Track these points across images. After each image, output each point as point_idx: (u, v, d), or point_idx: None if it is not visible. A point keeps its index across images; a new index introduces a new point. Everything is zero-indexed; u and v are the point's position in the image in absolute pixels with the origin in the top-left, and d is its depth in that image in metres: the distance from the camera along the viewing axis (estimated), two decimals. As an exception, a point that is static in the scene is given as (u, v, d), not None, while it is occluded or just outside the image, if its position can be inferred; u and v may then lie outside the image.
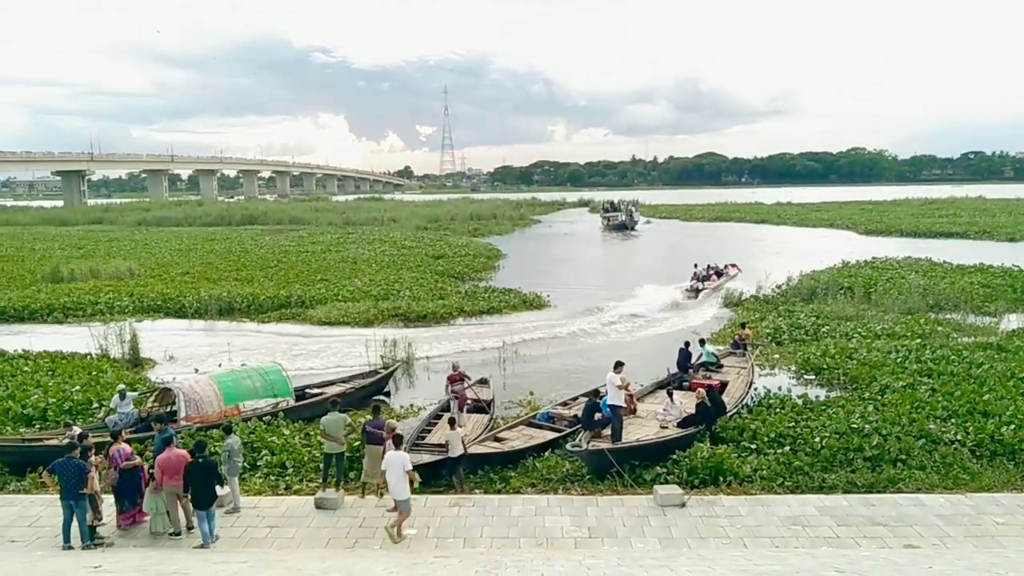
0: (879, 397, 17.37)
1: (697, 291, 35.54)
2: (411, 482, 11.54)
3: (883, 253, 44.90)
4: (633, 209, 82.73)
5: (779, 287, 33.84)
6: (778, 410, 16.68)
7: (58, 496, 11.26)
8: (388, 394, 20.32)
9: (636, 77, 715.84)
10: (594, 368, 21.39)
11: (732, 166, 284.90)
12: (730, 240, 67.81)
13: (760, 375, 20.63)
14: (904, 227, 68.94)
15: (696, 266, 38.82)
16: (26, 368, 21.10)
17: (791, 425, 15.39)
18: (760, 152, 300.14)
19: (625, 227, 78.92)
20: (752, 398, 17.80)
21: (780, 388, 19.00)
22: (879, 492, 12.82)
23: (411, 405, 19.03)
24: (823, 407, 16.77)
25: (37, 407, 17.51)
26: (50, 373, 20.66)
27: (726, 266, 41.46)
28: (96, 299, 33.12)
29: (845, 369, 20.42)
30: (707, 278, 37.73)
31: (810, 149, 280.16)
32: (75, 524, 11.09)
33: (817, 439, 14.53)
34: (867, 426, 15.02)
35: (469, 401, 17.18)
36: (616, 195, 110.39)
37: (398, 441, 12.06)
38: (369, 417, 13.87)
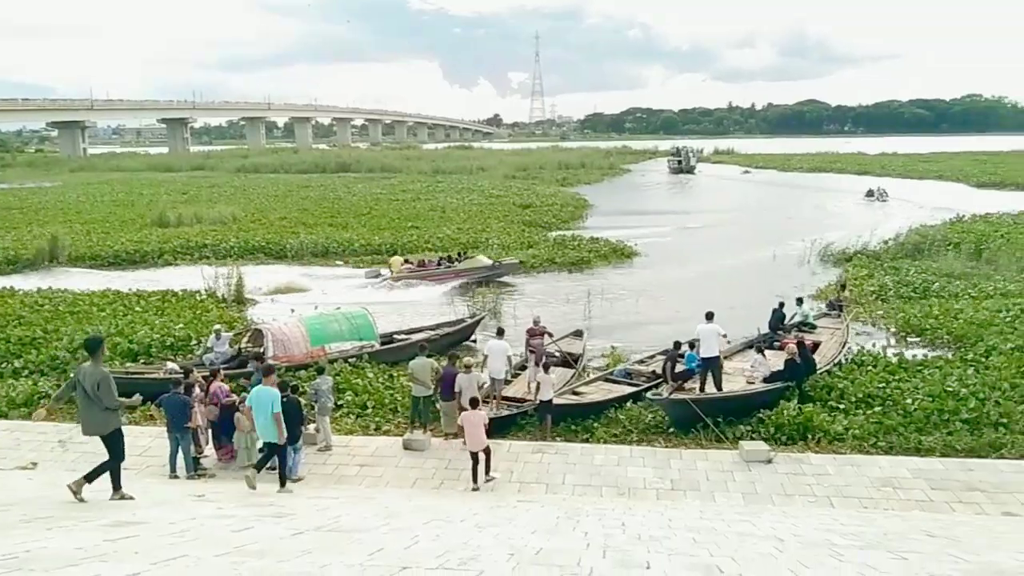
0: (984, 359, 16.50)
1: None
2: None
3: (997, 208, 42.16)
4: (692, 155, 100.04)
5: (885, 243, 32.30)
6: (870, 368, 16.12)
7: (165, 428, 11.98)
8: (475, 342, 20.58)
9: (742, 19, 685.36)
10: (679, 319, 21.01)
11: (835, 114, 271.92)
12: (817, 188, 67.47)
13: (857, 334, 19.90)
14: (1022, 180, 64.53)
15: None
16: (137, 308, 22.25)
17: (881, 385, 14.81)
18: (865, 100, 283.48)
19: (682, 170, 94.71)
20: (845, 357, 17.20)
21: (874, 346, 18.33)
22: (980, 457, 12.24)
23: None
24: (919, 367, 16.10)
25: (142, 343, 18.51)
26: (158, 312, 21.77)
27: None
28: (203, 242, 34.68)
29: (949, 329, 19.45)
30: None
31: (920, 96, 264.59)
32: (180, 455, 11.80)
33: (908, 400, 14.00)
34: (964, 389, 14.33)
35: (550, 356, 16.33)
36: (701, 143, 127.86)
37: (501, 333, 15.61)
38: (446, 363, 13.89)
